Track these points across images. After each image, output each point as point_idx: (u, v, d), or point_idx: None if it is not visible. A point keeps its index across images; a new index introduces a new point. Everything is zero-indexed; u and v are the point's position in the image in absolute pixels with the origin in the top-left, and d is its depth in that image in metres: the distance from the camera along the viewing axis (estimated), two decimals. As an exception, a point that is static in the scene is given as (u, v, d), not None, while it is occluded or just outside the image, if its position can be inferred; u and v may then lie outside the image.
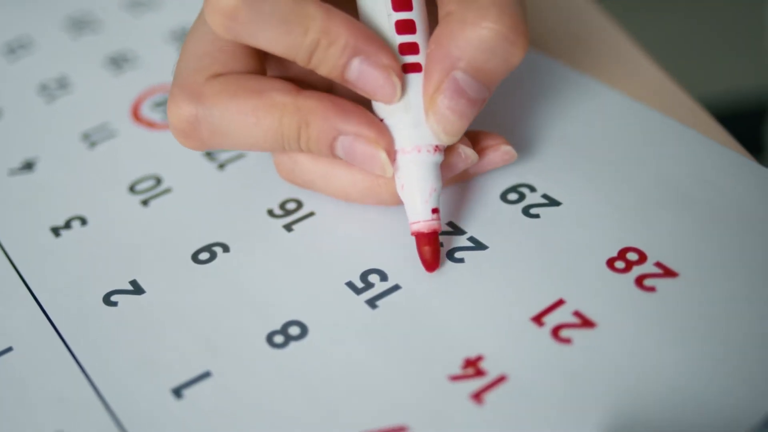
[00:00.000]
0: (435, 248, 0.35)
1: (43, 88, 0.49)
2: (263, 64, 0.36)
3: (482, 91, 0.34)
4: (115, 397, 0.33)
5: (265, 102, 0.34)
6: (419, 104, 0.35)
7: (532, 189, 0.38)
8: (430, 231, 0.35)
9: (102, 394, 0.33)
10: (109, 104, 0.47)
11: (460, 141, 0.36)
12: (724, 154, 0.39)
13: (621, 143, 0.40)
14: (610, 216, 0.37)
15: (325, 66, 0.34)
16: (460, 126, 0.34)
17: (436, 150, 0.35)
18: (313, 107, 0.34)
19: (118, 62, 0.50)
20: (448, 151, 0.36)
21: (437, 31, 0.34)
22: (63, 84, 0.49)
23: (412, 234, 0.35)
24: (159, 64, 0.50)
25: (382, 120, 0.35)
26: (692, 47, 1.30)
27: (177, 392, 0.33)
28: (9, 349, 0.35)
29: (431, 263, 0.35)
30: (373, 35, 0.34)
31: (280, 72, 0.37)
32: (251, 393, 0.32)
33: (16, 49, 0.52)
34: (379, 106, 0.35)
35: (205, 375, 0.33)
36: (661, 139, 0.40)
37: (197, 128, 0.35)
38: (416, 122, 0.35)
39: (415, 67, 0.35)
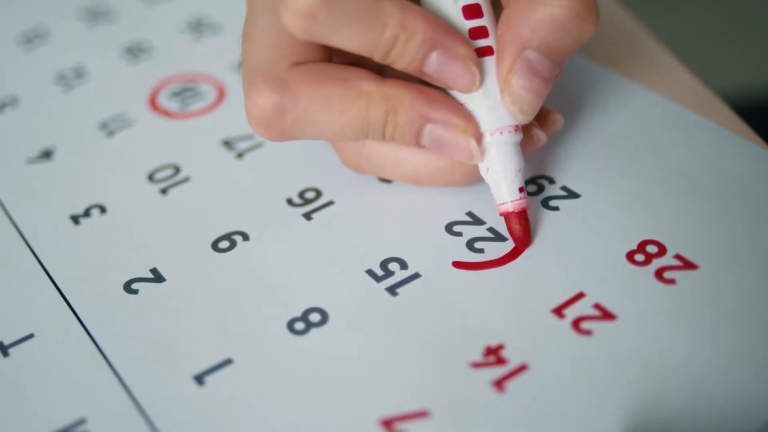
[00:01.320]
0: (525, 226, 0.36)
1: (60, 78, 0.49)
2: (331, 54, 0.36)
3: (554, 68, 0.34)
4: (137, 384, 0.33)
5: (352, 90, 0.34)
6: (495, 87, 0.35)
7: (551, 181, 0.38)
8: (519, 210, 0.35)
9: (124, 382, 0.33)
10: (126, 94, 0.47)
11: (533, 125, 0.37)
12: (743, 146, 0.39)
13: (640, 135, 0.40)
14: (630, 208, 0.37)
15: (402, 60, 0.34)
16: (536, 105, 0.35)
17: (516, 130, 0.35)
18: (400, 95, 0.34)
19: (134, 52, 0.50)
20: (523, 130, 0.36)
21: (507, 11, 0.34)
22: (80, 73, 0.49)
23: (501, 215, 0.36)
24: (174, 54, 0.50)
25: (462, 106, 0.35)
26: (713, 40, 1.30)
27: (199, 379, 0.33)
28: (30, 336, 0.35)
29: (523, 240, 0.36)
30: (448, 27, 0.34)
31: (345, 61, 0.37)
32: (272, 379, 0.32)
33: (33, 39, 0.53)
34: (455, 93, 0.35)
35: (227, 362, 0.33)
36: (680, 130, 0.40)
37: (282, 118, 0.34)
38: (495, 105, 0.35)
39: (487, 51, 0.35)
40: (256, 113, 0.34)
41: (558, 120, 0.38)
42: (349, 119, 0.34)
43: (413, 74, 0.34)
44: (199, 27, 0.51)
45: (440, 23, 0.34)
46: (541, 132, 0.37)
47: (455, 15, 0.35)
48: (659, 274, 0.34)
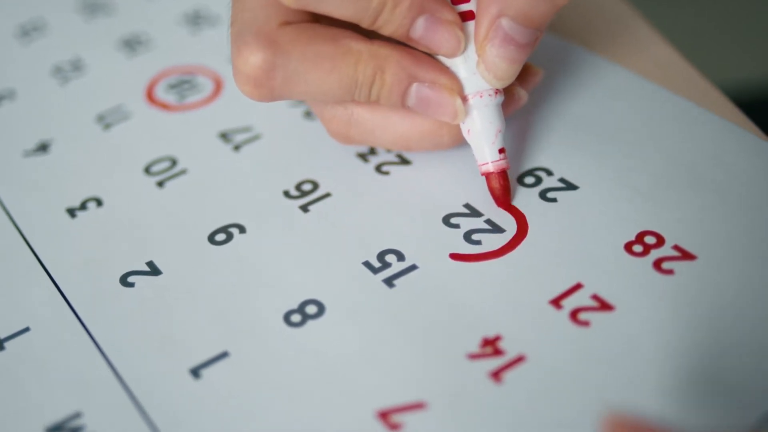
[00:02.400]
0: (505, 185, 0.37)
1: (57, 71, 0.49)
2: (319, 18, 0.36)
3: (530, 34, 0.35)
4: (133, 377, 0.33)
5: (342, 49, 0.35)
6: (474, 51, 0.35)
7: (549, 173, 0.38)
8: (498, 170, 0.36)
9: (120, 375, 0.33)
10: (123, 86, 0.47)
11: (516, 84, 0.37)
12: (740, 136, 0.38)
13: (638, 126, 0.40)
14: (628, 199, 0.37)
15: (390, 26, 0.34)
16: (511, 71, 0.35)
17: (497, 93, 0.36)
18: (388, 54, 0.35)
19: (131, 44, 0.50)
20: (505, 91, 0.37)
21: None
22: (77, 66, 0.49)
23: (482, 174, 0.37)
24: (172, 46, 0.50)
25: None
26: (712, 34, 1.30)
27: (195, 372, 0.33)
28: (26, 330, 0.35)
29: (503, 199, 0.37)
30: None
31: (339, 25, 0.37)
32: (269, 372, 0.32)
33: (30, 31, 0.52)
34: (439, 57, 0.36)
35: (223, 355, 0.33)
36: (680, 122, 0.40)
37: (272, 76, 0.35)
38: (474, 69, 0.36)
39: (469, 15, 0.35)
40: (247, 71, 0.35)
41: (537, 73, 0.39)
42: (338, 77, 0.35)
43: (400, 39, 0.35)
44: (196, 19, 0.51)
45: None
46: (522, 90, 0.38)
47: None
48: (657, 264, 0.34)
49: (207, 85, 0.46)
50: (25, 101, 0.47)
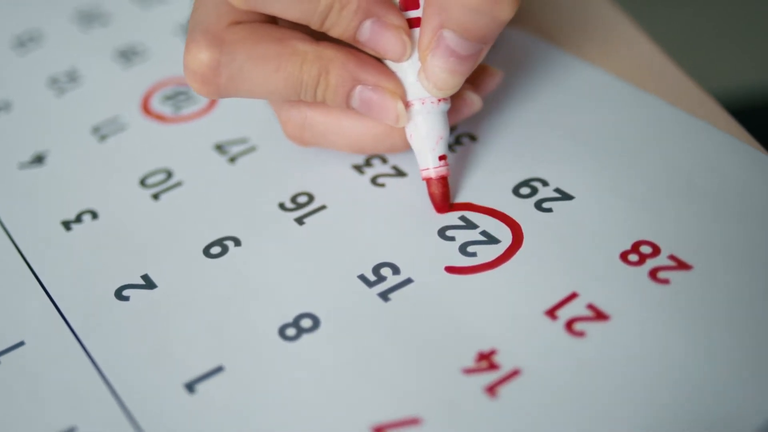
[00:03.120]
0: (444, 192, 0.37)
1: (53, 82, 0.49)
2: (275, 19, 0.37)
3: (473, 47, 0.35)
4: (128, 392, 0.33)
5: (288, 49, 0.35)
6: (418, 58, 0.36)
7: (545, 183, 0.38)
8: (438, 176, 0.37)
9: (114, 389, 0.33)
10: (119, 97, 0.47)
11: (466, 88, 0.38)
12: (737, 147, 0.38)
13: (633, 136, 0.40)
14: (623, 209, 0.36)
15: (337, 28, 0.35)
16: (453, 81, 0.35)
17: (440, 101, 0.36)
18: (333, 56, 0.35)
19: (127, 55, 0.50)
20: (453, 97, 0.37)
21: None
22: (73, 77, 0.49)
23: (423, 179, 0.37)
24: (168, 57, 0.49)
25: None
26: (708, 41, 1.30)
27: (190, 387, 0.33)
28: (21, 344, 0.35)
29: (441, 205, 0.37)
30: None
31: (290, 26, 0.37)
32: (263, 386, 0.32)
33: (26, 42, 0.52)
34: (386, 62, 0.36)
35: (218, 369, 0.33)
36: (673, 130, 0.40)
37: (217, 73, 0.35)
38: (418, 75, 0.36)
39: (416, 23, 0.36)
40: (194, 67, 0.36)
41: (496, 74, 0.39)
42: (283, 77, 0.35)
43: (348, 42, 0.35)
44: (192, 29, 0.51)
45: None
46: (475, 95, 0.38)
47: None
48: (653, 274, 0.34)
49: (202, 97, 0.46)
50: (21, 112, 0.47)
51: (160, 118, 0.45)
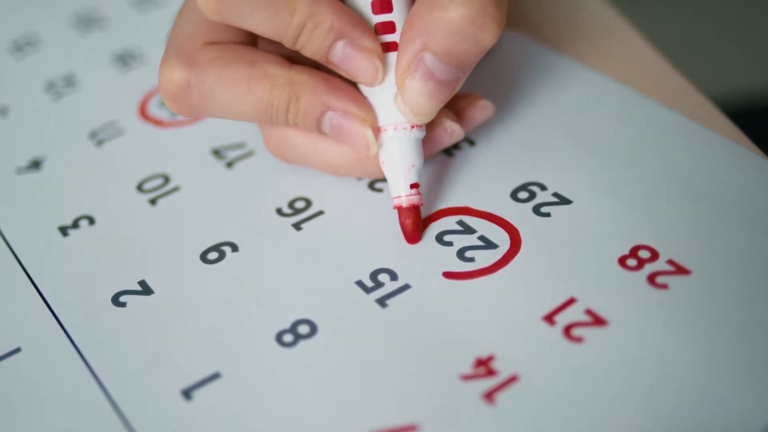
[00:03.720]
0: (415, 221, 0.36)
1: (50, 86, 0.49)
2: (255, 38, 0.37)
3: (452, 72, 0.35)
4: (124, 398, 0.33)
5: (258, 72, 0.35)
6: (394, 83, 0.35)
7: (543, 187, 0.38)
8: (409, 205, 0.36)
9: (111, 396, 0.33)
10: (116, 102, 0.47)
11: (446, 116, 0.37)
12: (732, 150, 0.38)
13: (631, 140, 0.40)
14: (622, 214, 0.36)
15: (310, 47, 0.35)
16: (430, 107, 0.35)
17: (413, 127, 0.36)
18: (304, 81, 0.35)
19: (125, 59, 0.50)
20: (433, 125, 0.37)
21: (413, 10, 0.35)
22: (70, 82, 0.49)
23: (394, 208, 0.36)
24: (166, 61, 0.49)
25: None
26: (706, 43, 1.30)
27: (186, 394, 0.32)
28: (17, 350, 0.35)
29: (411, 236, 0.36)
30: (357, 18, 0.35)
31: (271, 47, 0.37)
32: (261, 393, 0.32)
33: (23, 46, 0.52)
34: (360, 85, 0.36)
35: (215, 376, 0.33)
36: (671, 134, 0.40)
37: (188, 93, 0.36)
38: (392, 101, 0.36)
39: (392, 47, 0.35)
40: (165, 86, 0.36)
41: (486, 107, 0.39)
42: (252, 100, 0.35)
43: (321, 62, 0.35)
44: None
45: (349, 14, 0.35)
46: (456, 125, 0.37)
47: (365, 8, 0.35)
48: (652, 279, 0.34)
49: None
50: (18, 117, 0.47)
51: (157, 122, 0.45)
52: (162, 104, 0.46)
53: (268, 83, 0.35)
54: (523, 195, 0.38)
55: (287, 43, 0.35)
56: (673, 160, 0.38)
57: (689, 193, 0.37)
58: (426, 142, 0.37)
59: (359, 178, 0.39)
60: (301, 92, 0.35)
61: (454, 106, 0.38)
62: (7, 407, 0.33)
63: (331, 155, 0.37)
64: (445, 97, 0.35)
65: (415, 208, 0.36)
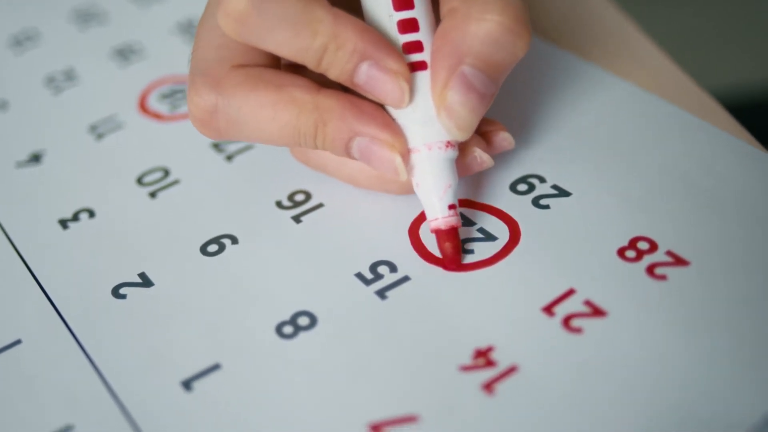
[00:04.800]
0: (455, 244, 0.35)
1: (50, 81, 0.49)
2: (279, 59, 0.36)
3: (490, 85, 0.34)
4: (125, 390, 0.33)
5: (284, 97, 0.34)
6: (427, 102, 0.34)
7: (542, 180, 0.38)
8: (447, 228, 0.35)
9: (111, 388, 0.33)
10: (116, 96, 0.47)
11: (476, 144, 0.36)
12: (733, 144, 0.38)
13: (630, 133, 0.40)
14: (621, 206, 0.36)
15: (334, 70, 0.34)
16: (471, 121, 0.34)
17: (447, 146, 0.35)
18: (331, 106, 0.34)
19: (125, 54, 0.50)
20: (464, 152, 0.36)
21: (442, 26, 0.34)
22: (70, 76, 0.49)
23: (432, 231, 0.35)
24: (165, 55, 0.49)
25: (394, 120, 0.35)
26: (707, 39, 1.30)
27: (186, 385, 0.33)
28: (18, 342, 0.35)
29: (452, 259, 0.35)
30: (381, 39, 0.34)
31: (295, 68, 0.37)
32: (261, 384, 0.32)
33: (23, 41, 0.52)
34: (388, 107, 0.35)
35: (215, 367, 0.33)
36: (673, 129, 0.40)
37: (215, 118, 0.35)
38: (425, 120, 0.34)
39: (420, 66, 0.35)
40: (193, 111, 0.35)
41: (506, 139, 0.37)
42: (279, 126, 0.35)
43: (346, 84, 0.34)
44: (189, 29, 0.51)
45: (373, 35, 0.34)
46: (486, 154, 0.36)
47: (390, 28, 0.35)
48: (650, 270, 0.34)
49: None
50: (18, 111, 0.47)
51: (157, 116, 0.45)
52: (162, 98, 0.46)
53: (294, 109, 0.34)
54: (522, 187, 0.38)
55: (311, 65, 0.34)
56: (673, 153, 0.38)
57: (688, 185, 0.37)
58: (458, 168, 0.36)
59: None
60: (328, 118, 0.34)
61: (479, 130, 0.37)
62: (8, 399, 0.33)
63: (352, 169, 0.37)
64: (483, 111, 0.34)
65: (454, 230, 0.35)
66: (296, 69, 0.37)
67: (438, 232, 0.35)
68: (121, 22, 0.53)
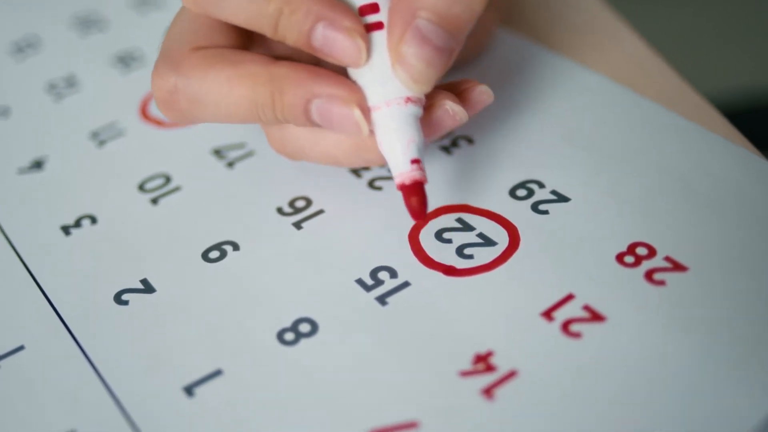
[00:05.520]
0: (420, 198, 0.35)
1: (51, 87, 0.49)
2: (246, 42, 0.37)
3: (448, 39, 0.34)
4: (127, 395, 0.33)
5: (240, 72, 0.35)
6: (384, 61, 0.35)
7: (541, 185, 0.38)
8: (411, 182, 0.35)
9: (114, 393, 0.33)
10: (117, 103, 0.47)
11: (448, 98, 0.36)
12: (728, 148, 0.39)
13: (628, 138, 0.40)
14: (619, 211, 0.37)
15: (290, 34, 0.34)
16: (428, 74, 0.34)
17: (407, 101, 0.35)
18: (286, 74, 0.35)
19: (125, 60, 0.50)
20: (433, 108, 0.36)
21: None
22: (71, 83, 0.49)
23: (397, 188, 0.35)
24: (166, 62, 0.50)
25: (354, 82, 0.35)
26: (703, 43, 1.30)
27: (188, 390, 0.33)
28: (20, 348, 0.35)
29: (417, 212, 0.35)
30: (335, 1, 0.34)
31: (265, 51, 0.37)
32: (262, 390, 0.32)
33: (24, 48, 0.53)
34: (349, 70, 0.35)
35: (217, 373, 0.33)
36: (668, 133, 0.40)
37: (177, 98, 0.36)
38: (383, 79, 0.35)
39: (377, 26, 0.35)
40: (156, 93, 0.36)
41: (484, 92, 0.37)
42: (236, 101, 0.35)
43: (304, 49, 0.35)
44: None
45: None
46: (458, 106, 0.36)
47: None
48: (649, 275, 0.34)
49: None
50: (20, 118, 0.47)
51: (158, 123, 0.45)
52: (163, 105, 0.46)
53: (249, 82, 0.35)
54: (521, 192, 0.38)
55: (267, 32, 0.35)
56: (670, 158, 0.39)
57: (686, 190, 0.37)
58: (428, 125, 0.36)
59: (360, 169, 0.39)
60: (284, 86, 0.35)
61: (454, 91, 0.37)
62: (11, 404, 0.33)
63: (328, 145, 0.37)
64: (442, 66, 0.34)
65: (418, 185, 0.35)
66: (267, 48, 0.37)
67: (402, 188, 0.35)
68: (121, 28, 0.53)
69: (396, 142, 0.35)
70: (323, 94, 0.34)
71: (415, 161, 0.35)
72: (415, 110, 0.35)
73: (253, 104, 0.35)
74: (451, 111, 0.36)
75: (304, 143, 0.37)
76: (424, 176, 0.35)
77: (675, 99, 0.42)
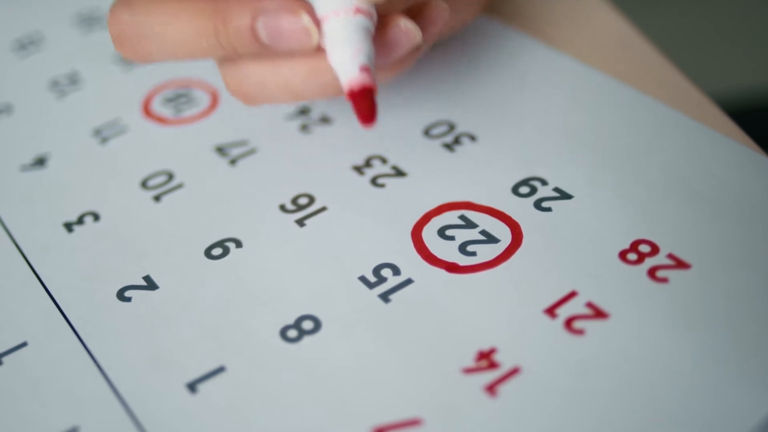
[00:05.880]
0: (369, 103, 0.34)
1: (54, 84, 0.49)
2: None
3: None
4: (130, 392, 0.33)
5: (184, 6, 0.36)
6: None
7: (544, 182, 0.38)
8: (360, 88, 0.34)
9: (117, 390, 0.33)
10: (120, 100, 0.47)
11: (401, 17, 0.36)
12: (731, 147, 0.39)
13: (631, 136, 0.40)
14: (622, 208, 0.37)
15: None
16: None
17: (357, 12, 0.34)
18: (228, 3, 0.35)
19: (128, 58, 0.50)
20: (386, 27, 0.35)
21: None
22: (74, 80, 0.49)
23: (347, 97, 0.34)
24: (169, 59, 0.50)
25: None
26: (706, 43, 1.30)
27: (191, 387, 0.33)
28: (23, 345, 0.35)
29: (365, 116, 0.34)
30: None
31: None
32: (265, 387, 0.32)
33: (27, 45, 0.53)
34: None
35: (219, 370, 0.33)
36: (671, 131, 0.40)
37: (128, 35, 0.37)
38: None
39: None
40: (110, 32, 0.38)
41: (439, 6, 0.37)
42: (179, 30, 0.36)
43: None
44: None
45: None
46: (411, 23, 0.35)
47: None
48: (652, 273, 0.34)
49: (203, 99, 0.46)
50: (22, 115, 0.47)
51: (160, 120, 0.45)
52: (166, 102, 0.46)
53: (193, 12, 0.36)
54: (524, 190, 0.38)
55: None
56: (673, 156, 0.39)
57: (689, 188, 0.37)
58: (383, 46, 0.35)
59: (363, 166, 0.39)
60: (228, 13, 0.35)
61: (411, 13, 0.37)
62: (13, 401, 0.33)
63: (284, 72, 0.36)
64: None
65: (367, 90, 0.34)
66: None
67: (351, 94, 0.34)
68: (124, 26, 0.53)
69: (345, 51, 0.34)
70: (269, 10, 0.35)
71: (365, 69, 0.34)
72: (365, 22, 0.34)
73: (196, 34, 0.36)
74: (404, 28, 0.35)
75: (262, 76, 0.37)
76: (374, 82, 0.34)
77: (678, 98, 0.42)
